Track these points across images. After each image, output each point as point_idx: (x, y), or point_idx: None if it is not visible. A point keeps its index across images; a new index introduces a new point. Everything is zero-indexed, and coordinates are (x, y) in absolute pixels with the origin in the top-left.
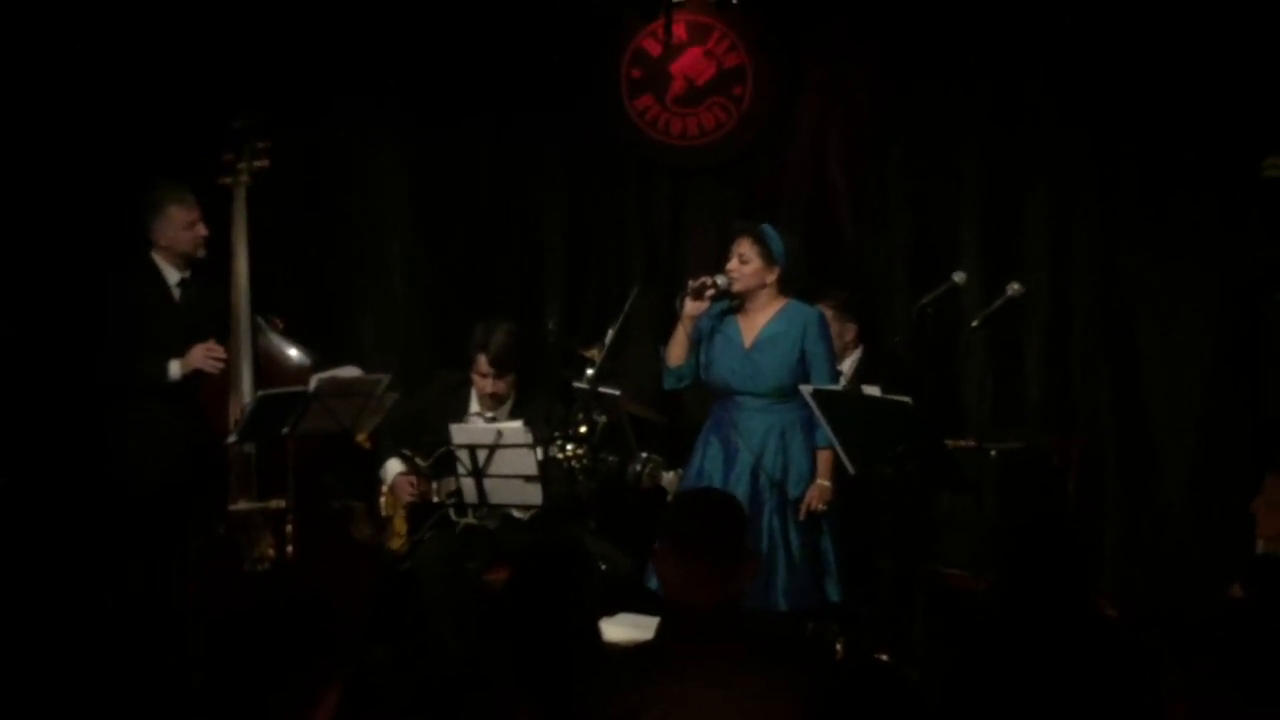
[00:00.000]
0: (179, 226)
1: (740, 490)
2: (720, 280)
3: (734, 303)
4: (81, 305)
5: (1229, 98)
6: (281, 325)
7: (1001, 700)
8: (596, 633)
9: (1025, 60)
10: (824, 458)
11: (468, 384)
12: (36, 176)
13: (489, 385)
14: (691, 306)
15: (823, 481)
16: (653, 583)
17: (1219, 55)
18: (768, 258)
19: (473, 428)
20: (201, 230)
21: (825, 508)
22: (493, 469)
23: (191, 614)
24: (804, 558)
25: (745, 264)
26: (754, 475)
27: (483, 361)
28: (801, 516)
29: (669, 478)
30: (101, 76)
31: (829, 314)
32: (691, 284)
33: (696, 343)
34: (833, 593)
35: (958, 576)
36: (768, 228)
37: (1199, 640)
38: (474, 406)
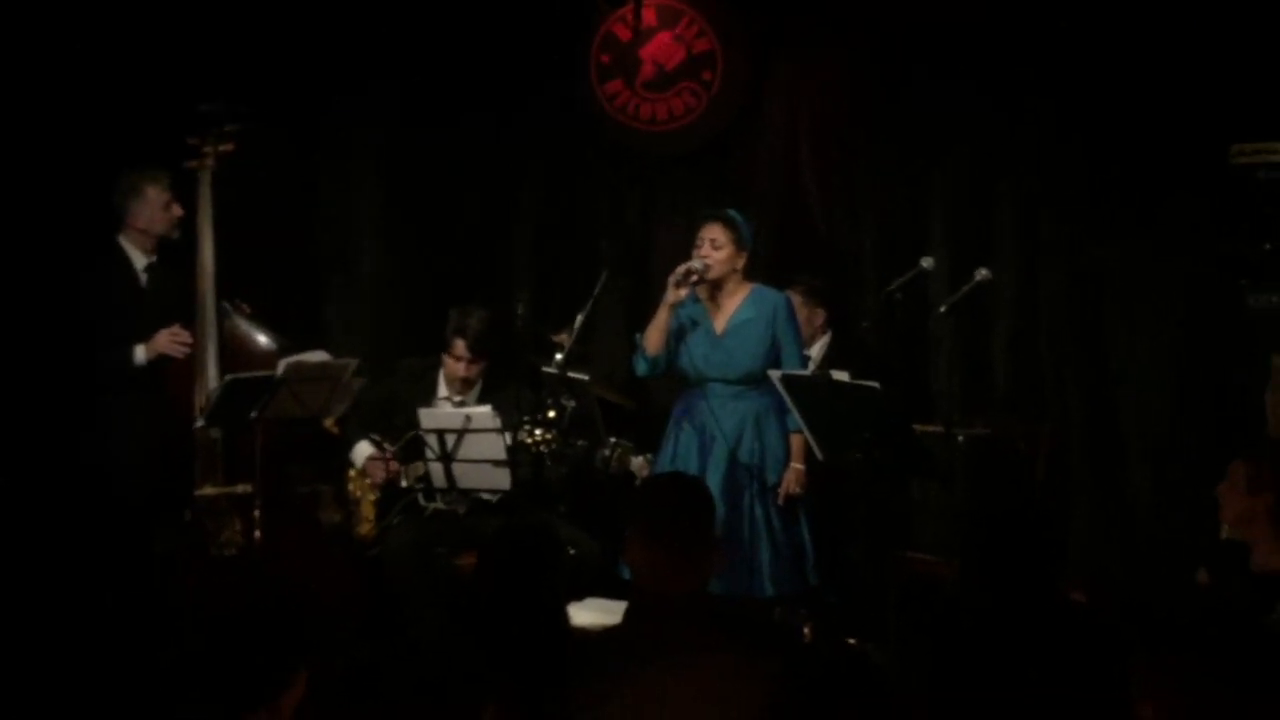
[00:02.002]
0: (157, 207)
1: (717, 477)
2: (697, 266)
3: (696, 290)
4: (47, 293)
5: (1198, 88)
6: (248, 310)
7: (971, 685)
8: (564, 618)
9: (994, 49)
10: (797, 441)
11: (435, 368)
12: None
13: (462, 369)
14: (674, 294)
15: (796, 465)
16: (626, 571)
17: (1187, 45)
18: (738, 242)
19: (441, 412)
20: (177, 210)
21: (802, 491)
22: (461, 453)
23: (160, 600)
24: (786, 543)
25: (718, 249)
26: (731, 462)
27: (460, 346)
28: (781, 501)
29: (638, 463)
30: (70, 62)
31: (798, 300)
32: (677, 270)
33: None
34: (812, 576)
35: (927, 562)
36: (735, 213)
37: (1165, 625)
38: (442, 391)
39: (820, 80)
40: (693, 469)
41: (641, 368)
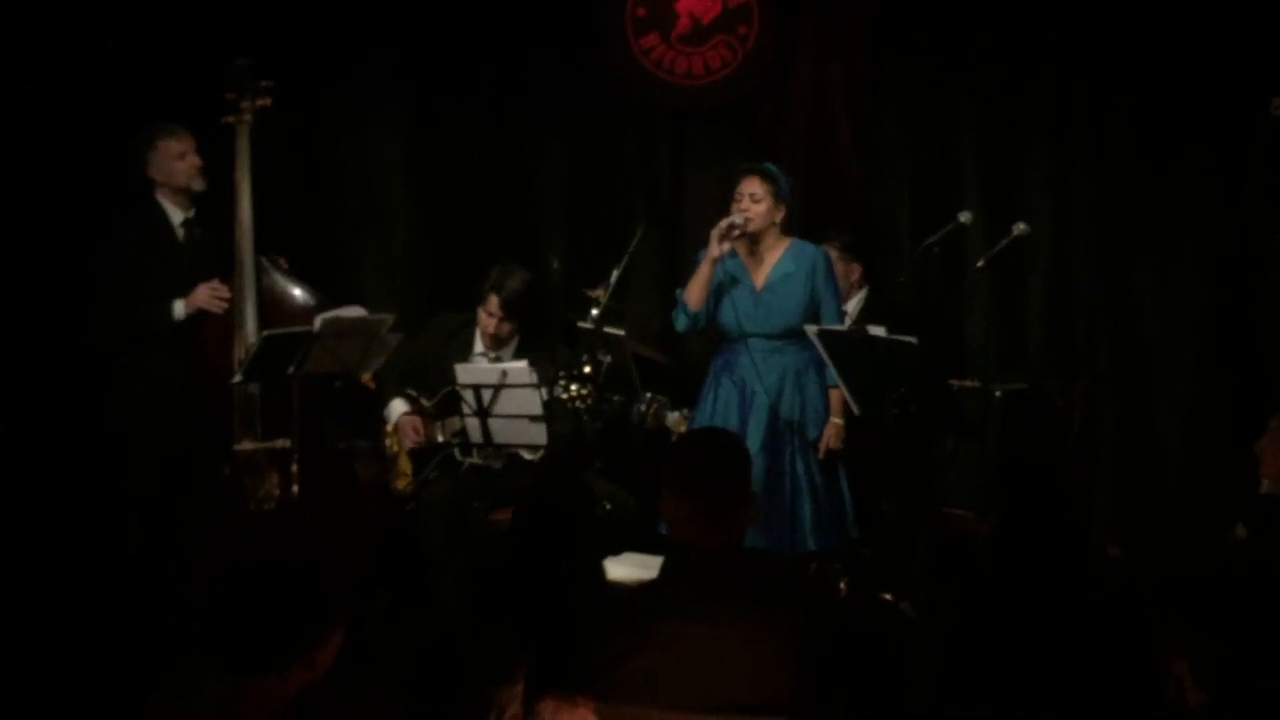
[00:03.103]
0: (172, 158)
1: (758, 432)
2: (738, 220)
3: (735, 244)
4: (83, 248)
5: (1229, 40)
6: (286, 265)
7: (1002, 638)
8: (600, 572)
9: (1021, 3)
10: (836, 396)
11: (471, 324)
12: (37, 122)
13: (493, 325)
14: (717, 249)
15: (836, 420)
16: (663, 527)
17: (1217, 6)
18: (777, 196)
19: (477, 367)
20: (194, 160)
21: (842, 446)
22: (497, 409)
23: (193, 559)
24: (827, 498)
25: (758, 203)
26: (772, 417)
27: (494, 302)
28: (821, 456)
29: (674, 418)
30: (103, 20)
31: (833, 255)
32: (720, 225)
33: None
34: (853, 530)
35: (961, 517)
36: (772, 166)
37: (1201, 581)
38: (478, 347)
39: (852, 33)
40: (733, 424)
41: (682, 323)
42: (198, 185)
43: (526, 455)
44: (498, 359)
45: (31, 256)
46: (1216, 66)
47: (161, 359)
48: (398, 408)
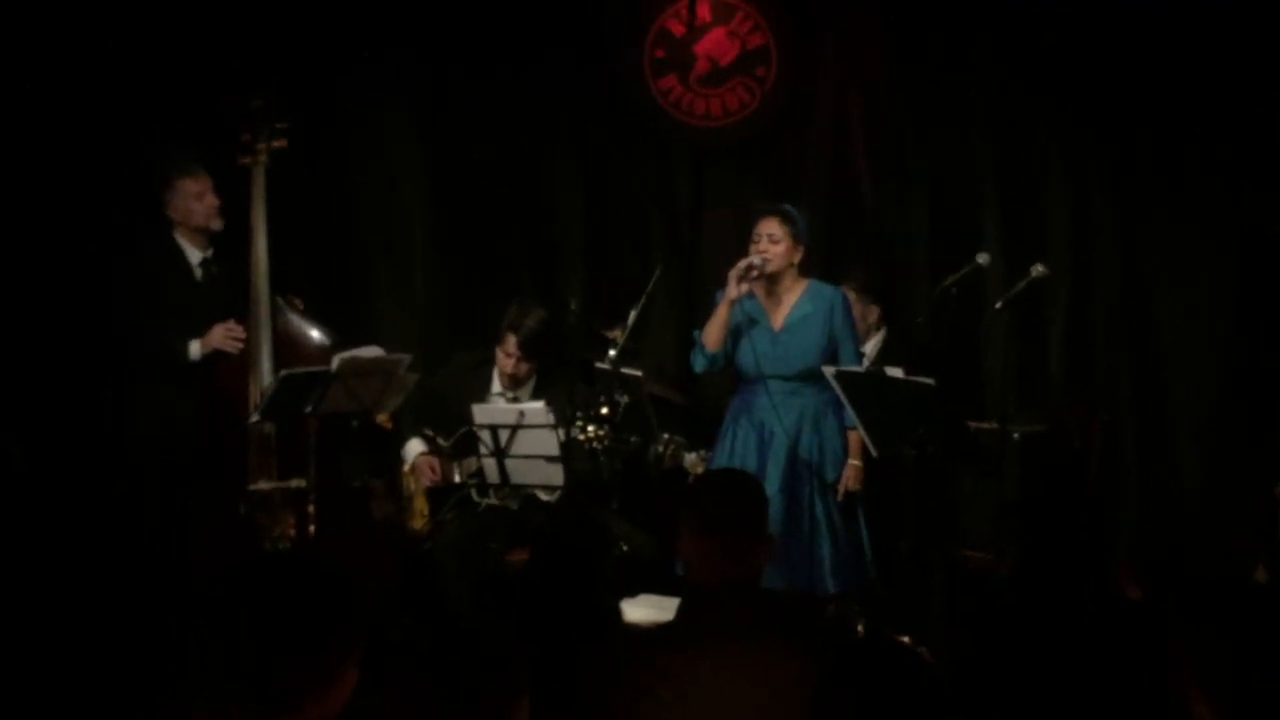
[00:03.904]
0: (190, 198)
1: (777, 473)
2: (757, 261)
3: (753, 285)
4: (100, 284)
5: (1244, 70)
6: (301, 305)
7: (1017, 678)
8: (616, 612)
9: (1036, 35)
10: (854, 438)
11: (489, 363)
12: (58, 158)
13: (511, 365)
14: (735, 290)
15: (854, 461)
16: (680, 568)
17: (1232, 24)
18: (795, 237)
19: (494, 408)
20: (212, 200)
21: (860, 487)
22: (515, 449)
23: (200, 592)
24: (846, 539)
25: (776, 243)
26: (791, 458)
27: (511, 342)
28: (839, 498)
29: (691, 459)
30: (123, 54)
31: (851, 296)
32: (738, 266)
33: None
34: (871, 570)
35: (978, 558)
36: (791, 208)
37: (1223, 622)
38: (496, 387)
39: (865, 73)
40: (752, 465)
41: (700, 364)
42: (215, 225)
43: (543, 496)
44: (515, 399)
45: (47, 283)
46: (1231, 95)
47: (174, 393)
48: (415, 447)
